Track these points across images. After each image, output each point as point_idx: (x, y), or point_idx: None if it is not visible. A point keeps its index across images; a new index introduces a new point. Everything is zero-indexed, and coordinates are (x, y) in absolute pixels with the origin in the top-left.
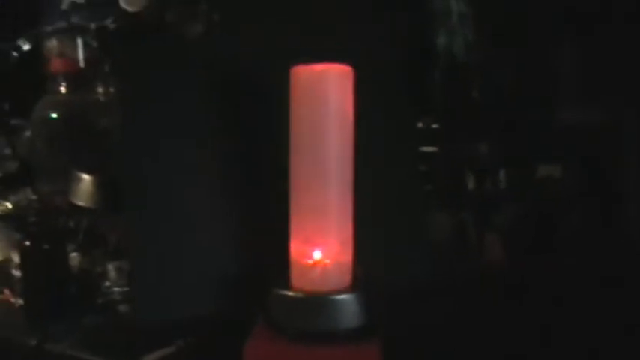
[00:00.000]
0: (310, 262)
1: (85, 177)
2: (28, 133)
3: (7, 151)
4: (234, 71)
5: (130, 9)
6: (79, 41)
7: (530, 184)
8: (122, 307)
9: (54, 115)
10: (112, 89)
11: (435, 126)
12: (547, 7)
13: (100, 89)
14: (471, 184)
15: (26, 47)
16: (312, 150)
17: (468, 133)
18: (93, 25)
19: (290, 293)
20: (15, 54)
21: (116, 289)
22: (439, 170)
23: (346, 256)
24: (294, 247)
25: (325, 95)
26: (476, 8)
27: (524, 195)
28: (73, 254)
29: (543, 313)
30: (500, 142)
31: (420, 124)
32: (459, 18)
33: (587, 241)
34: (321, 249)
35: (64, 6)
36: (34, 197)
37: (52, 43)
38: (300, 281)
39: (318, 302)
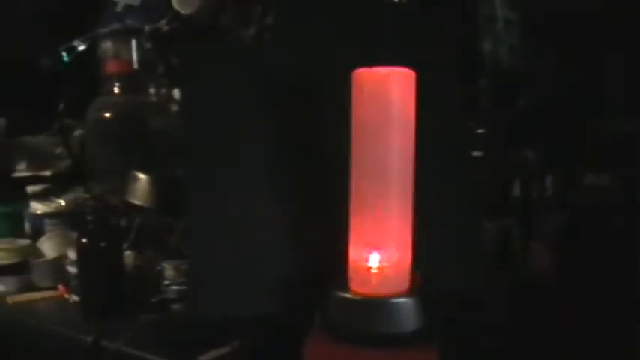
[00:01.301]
0: (369, 265)
1: (142, 176)
2: (79, 132)
3: (59, 150)
4: (292, 74)
5: (183, 11)
6: (133, 43)
7: (576, 192)
8: (177, 306)
9: (108, 116)
10: (164, 90)
11: (480, 131)
12: (597, 13)
13: (153, 90)
14: (516, 191)
15: (81, 48)
16: (373, 154)
17: (513, 140)
18: (147, 27)
19: (349, 296)
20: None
21: (173, 287)
22: (485, 176)
23: (405, 260)
24: (353, 251)
25: (388, 99)
26: (523, 14)
27: (570, 203)
28: (128, 252)
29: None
30: (546, 149)
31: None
32: (504, 24)
33: (633, 250)
34: (380, 252)
35: (119, 8)
36: (87, 196)
37: (107, 45)
38: (359, 284)
39: (376, 305)
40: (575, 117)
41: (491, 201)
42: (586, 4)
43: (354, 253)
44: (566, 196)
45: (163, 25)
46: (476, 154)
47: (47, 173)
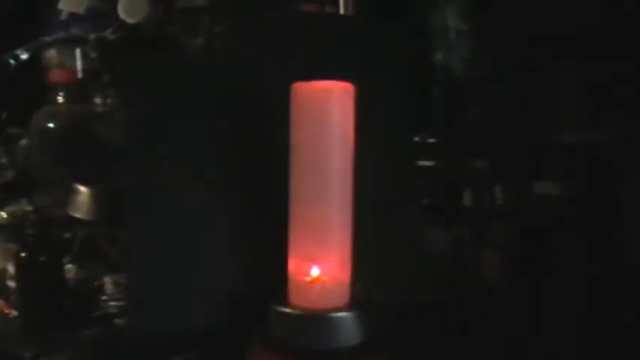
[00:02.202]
0: (308, 279)
1: (83, 189)
2: (24, 142)
3: (4, 160)
4: (236, 86)
5: (130, 20)
6: (78, 52)
7: (527, 201)
8: (119, 321)
9: (52, 126)
10: (110, 100)
11: (431, 140)
12: (548, 24)
13: (99, 100)
14: (467, 201)
15: (24, 57)
16: (312, 167)
17: (464, 149)
18: (92, 36)
19: (288, 310)
20: (12, 62)
21: (113, 302)
22: (436, 185)
23: (345, 273)
24: (293, 264)
25: (327, 112)
26: (473, 25)
27: (521, 212)
28: (69, 266)
29: (539, 331)
30: (497, 158)
31: (416, 139)
32: (456, 34)
33: (583, 259)
34: (319, 266)
35: (64, 16)
36: (30, 208)
37: (51, 54)
38: (299, 298)
39: (316, 320)
40: (526, 127)
41: (443, 211)
42: (537, 16)
43: (293, 266)
44: (517, 205)
45: (109, 34)
46: (427, 163)
47: None
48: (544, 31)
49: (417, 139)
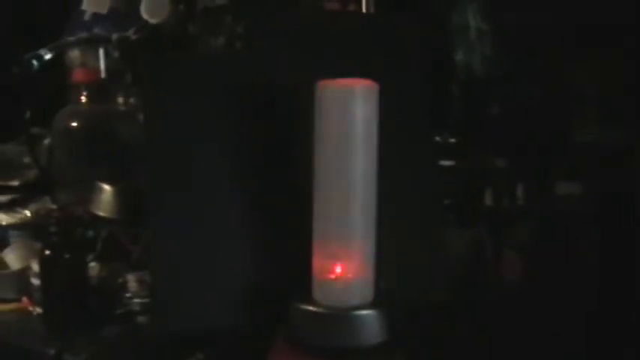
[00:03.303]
0: (332, 276)
1: (106, 187)
2: (47, 141)
3: (27, 160)
4: (258, 84)
5: (152, 20)
6: (101, 52)
7: (548, 201)
8: (141, 319)
9: (74, 125)
10: (132, 100)
11: (452, 140)
12: (569, 23)
13: (121, 99)
14: (488, 200)
15: (48, 57)
16: (336, 165)
17: (485, 148)
18: (115, 36)
19: (312, 308)
20: (36, 63)
21: (136, 300)
22: (456, 185)
23: (368, 271)
24: (317, 262)
25: (351, 111)
26: (494, 24)
27: (542, 212)
28: (93, 264)
29: (557, 331)
30: (518, 158)
31: (437, 138)
32: (477, 33)
33: (604, 259)
34: (343, 264)
35: (87, 17)
36: (53, 206)
37: (74, 54)
38: (322, 296)
39: (340, 317)
40: (547, 126)
41: (463, 210)
42: (559, 15)
43: (317, 264)
44: (538, 204)
45: (131, 34)
46: (447, 163)
47: (15, 183)
48: (565, 29)
49: (437, 138)
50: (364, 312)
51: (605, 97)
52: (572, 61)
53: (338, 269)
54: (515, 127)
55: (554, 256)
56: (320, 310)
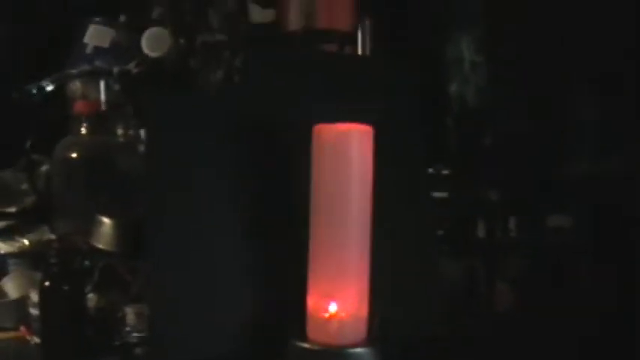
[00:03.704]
0: (327, 315)
1: (105, 220)
2: (45, 168)
3: (25, 186)
4: (258, 119)
5: (152, 54)
6: (102, 84)
7: (541, 233)
8: (139, 351)
9: (74, 156)
10: (132, 132)
11: (445, 172)
12: (561, 56)
13: (121, 131)
14: (481, 232)
15: (49, 88)
16: (332, 207)
17: (478, 180)
18: (116, 69)
19: (306, 345)
20: (37, 93)
21: (135, 333)
22: (449, 217)
23: (363, 309)
24: (312, 300)
25: (347, 155)
26: (488, 57)
27: (535, 244)
28: (90, 295)
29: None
30: (510, 190)
31: (430, 170)
32: (470, 66)
33: (598, 291)
34: (337, 302)
35: (89, 50)
36: (51, 235)
37: (76, 85)
38: (317, 334)
39: (333, 355)
40: (540, 159)
41: (456, 242)
42: (546, 47)
43: (312, 302)
44: (531, 236)
45: (132, 67)
46: (440, 195)
47: (12, 209)
48: (558, 63)
49: (430, 170)
50: (357, 350)
51: (600, 130)
52: (565, 94)
53: (332, 308)
54: (508, 158)
55: (547, 287)
56: (314, 347)
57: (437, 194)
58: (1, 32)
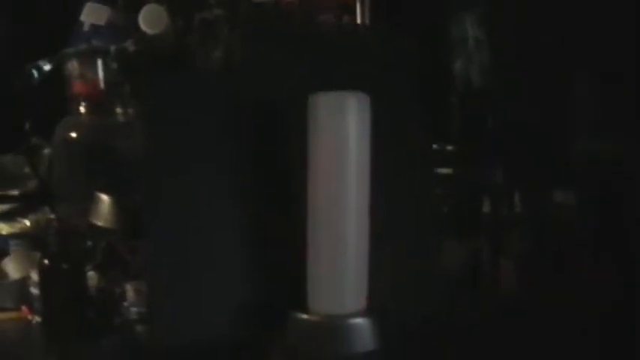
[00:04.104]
0: (327, 285)
1: (105, 198)
2: (46, 152)
3: (26, 170)
4: (254, 98)
5: (150, 32)
6: (100, 63)
7: (545, 211)
8: (139, 328)
9: (74, 136)
10: (131, 111)
11: (450, 149)
12: (565, 36)
13: (120, 111)
14: (485, 209)
15: (47, 67)
16: (330, 176)
17: (483, 158)
18: (113, 48)
19: (307, 317)
20: (35, 73)
21: (134, 309)
22: (454, 194)
23: (362, 280)
24: (312, 272)
25: (344, 123)
26: (492, 35)
27: (538, 222)
28: (91, 274)
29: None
30: (515, 167)
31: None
32: (475, 44)
33: (600, 269)
34: (337, 273)
35: (86, 28)
36: (52, 217)
37: (73, 65)
38: (317, 305)
39: (333, 326)
40: (544, 136)
41: (461, 219)
42: (554, 26)
43: (312, 273)
44: (534, 214)
45: (130, 45)
46: (445, 171)
47: (15, 192)
48: (563, 41)
49: (435, 147)
50: (358, 320)
51: (604, 108)
52: (569, 73)
53: (333, 278)
54: (512, 136)
55: (550, 265)
56: (314, 318)
57: (442, 171)
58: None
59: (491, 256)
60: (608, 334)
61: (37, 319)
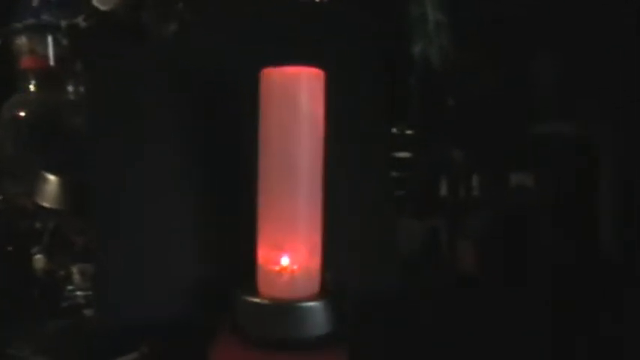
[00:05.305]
0: (277, 268)
1: (52, 178)
2: None
3: None
4: (206, 72)
5: (102, 7)
6: (50, 39)
7: (503, 192)
8: (86, 312)
9: (22, 114)
10: (82, 88)
11: (409, 132)
12: (526, 15)
13: (71, 88)
14: (443, 191)
15: None
16: (281, 154)
17: (441, 140)
18: (63, 23)
19: (256, 300)
20: None
21: (80, 292)
22: (412, 176)
23: (314, 262)
24: (262, 253)
25: (296, 98)
26: (453, 16)
27: (497, 203)
28: (38, 257)
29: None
30: (473, 149)
31: (394, 130)
32: (434, 24)
33: (558, 251)
34: (288, 255)
35: (35, 2)
36: None
37: (22, 40)
38: (267, 288)
39: (284, 309)
40: (503, 117)
41: (419, 201)
42: (515, 7)
43: (262, 255)
44: (493, 195)
45: (81, 21)
46: (404, 154)
47: None
48: (522, 20)
49: (394, 130)
50: (309, 303)
51: (563, 88)
52: (530, 52)
53: (283, 260)
54: (472, 118)
55: (509, 247)
56: (264, 301)
57: (401, 154)
58: None
59: (450, 237)
60: (566, 317)
61: None
